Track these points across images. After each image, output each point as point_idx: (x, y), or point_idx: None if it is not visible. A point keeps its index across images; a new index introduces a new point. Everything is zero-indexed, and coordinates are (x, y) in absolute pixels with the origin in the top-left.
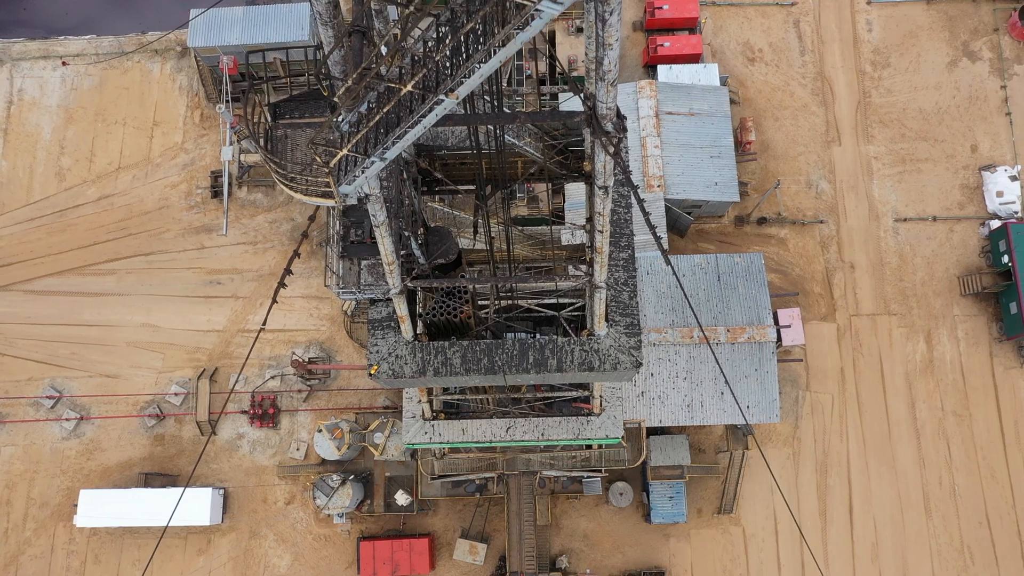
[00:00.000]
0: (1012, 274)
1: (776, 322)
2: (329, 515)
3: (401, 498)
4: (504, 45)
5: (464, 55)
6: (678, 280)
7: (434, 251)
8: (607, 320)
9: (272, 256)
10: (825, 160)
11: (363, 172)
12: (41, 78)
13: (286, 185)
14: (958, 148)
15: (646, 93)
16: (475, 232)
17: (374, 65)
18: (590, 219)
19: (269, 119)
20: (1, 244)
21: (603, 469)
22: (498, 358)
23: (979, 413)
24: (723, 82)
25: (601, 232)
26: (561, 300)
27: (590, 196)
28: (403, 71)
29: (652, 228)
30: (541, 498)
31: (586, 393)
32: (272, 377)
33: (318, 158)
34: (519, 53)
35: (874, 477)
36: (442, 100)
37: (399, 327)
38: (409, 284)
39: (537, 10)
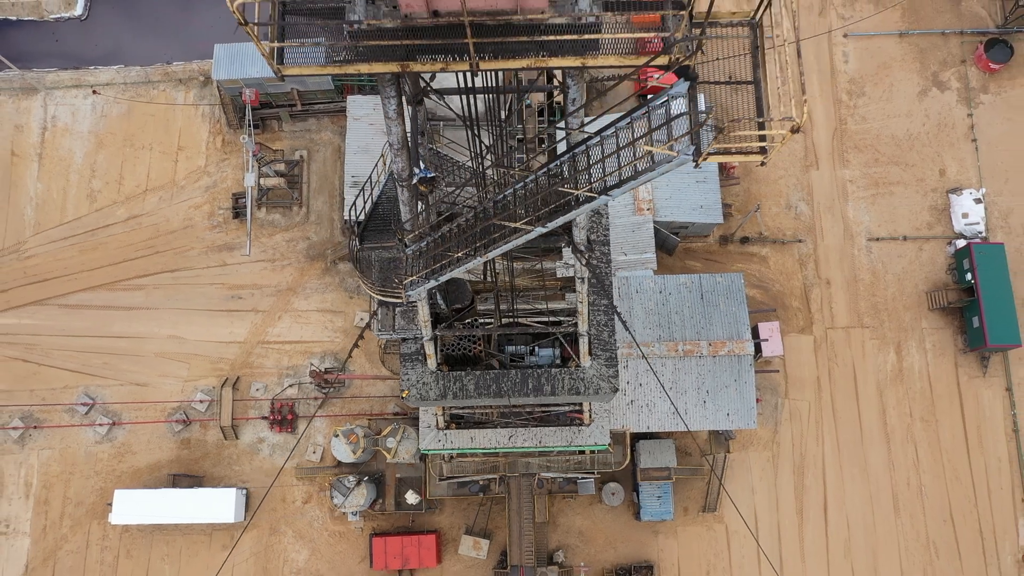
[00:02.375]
0: (975, 291)
1: (756, 335)
2: (344, 513)
3: (411, 497)
4: (518, 239)
5: (492, 240)
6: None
7: (452, 298)
8: (591, 354)
9: (289, 273)
10: (804, 183)
11: (423, 286)
12: (73, 105)
13: (371, 290)
14: (927, 172)
15: None
16: (484, 278)
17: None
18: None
19: (358, 244)
20: (37, 261)
21: (595, 471)
22: (504, 385)
23: (945, 419)
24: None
25: (582, 303)
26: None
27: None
28: (451, 231)
29: (625, 324)
30: (539, 498)
31: (579, 408)
32: (290, 386)
33: (396, 279)
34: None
35: (847, 478)
36: (478, 257)
37: (426, 360)
38: (437, 333)
39: (534, 229)
